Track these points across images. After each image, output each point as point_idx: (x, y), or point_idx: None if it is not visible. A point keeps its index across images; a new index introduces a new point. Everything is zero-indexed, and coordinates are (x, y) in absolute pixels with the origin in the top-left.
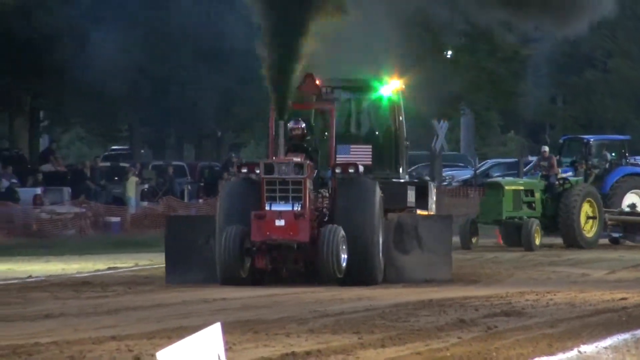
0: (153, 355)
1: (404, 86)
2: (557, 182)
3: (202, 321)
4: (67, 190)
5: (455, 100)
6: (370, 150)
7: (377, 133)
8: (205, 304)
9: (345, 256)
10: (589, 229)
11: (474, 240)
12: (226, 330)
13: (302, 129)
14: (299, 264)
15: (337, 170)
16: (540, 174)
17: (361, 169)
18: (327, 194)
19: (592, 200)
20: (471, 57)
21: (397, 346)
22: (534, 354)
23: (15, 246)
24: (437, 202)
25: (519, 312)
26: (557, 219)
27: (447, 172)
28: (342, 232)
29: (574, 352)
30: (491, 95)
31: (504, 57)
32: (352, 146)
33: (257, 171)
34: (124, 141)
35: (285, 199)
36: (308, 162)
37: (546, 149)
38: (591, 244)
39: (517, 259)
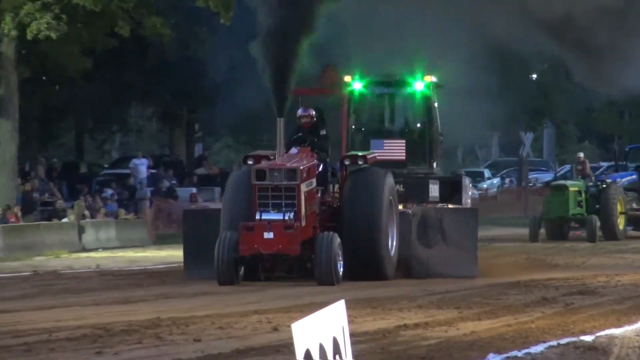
0: (289, 326)
1: (437, 81)
2: (594, 184)
3: (329, 298)
4: (217, 190)
5: (540, 115)
6: (404, 145)
7: (410, 128)
8: (332, 284)
9: (342, 263)
10: (619, 223)
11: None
12: (349, 306)
13: (312, 117)
14: (292, 273)
15: (346, 162)
16: (579, 177)
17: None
18: (338, 186)
19: (621, 199)
20: (553, 80)
21: (491, 319)
22: (605, 326)
23: (175, 236)
24: (525, 201)
25: (592, 291)
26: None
27: (532, 175)
28: (338, 240)
29: (638, 325)
30: (569, 111)
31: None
32: (385, 141)
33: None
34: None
35: (278, 207)
36: (303, 165)
37: (581, 155)
38: (622, 235)
39: (589, 248)
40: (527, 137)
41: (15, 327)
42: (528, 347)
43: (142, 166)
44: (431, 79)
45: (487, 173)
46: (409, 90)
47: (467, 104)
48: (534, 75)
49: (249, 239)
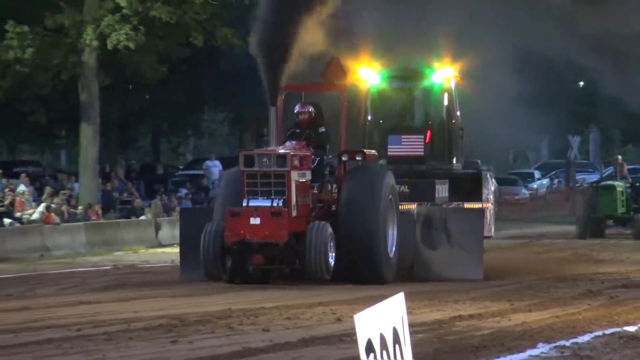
0: (351, 317)
1: (458, 74)
2: (632, 184)
3: (389, 292)
4: None
5: (586, 121)
6: (422, 140)
7: (429, 122)
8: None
9: (333, 255)
10: None
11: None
12: (407, 298)
13: (310, 113)
14: (282, 265)
15: (344, 158)
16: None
17: (372, 156)
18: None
19: None
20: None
21: (541, 311)
22: None
23: None
24: (572, 200)
25: (636, 284)
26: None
27: (579, 176)
28: (329, 230)
29: None
30: (614, 117)
31: None
32: (403, 136)
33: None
34: None
35: (267, 194)
36: (294, 152)
37: (619, 157)
38: None
39: (633, 244)
40: (575, 141)
41: (96, 318)
42: (575, 337)
43: (214, 168)
44: (451, 71)
45: (537, 174)
46: (427, 83)
47: (519, 110)
48: (581, 83)
49: (234, 225)
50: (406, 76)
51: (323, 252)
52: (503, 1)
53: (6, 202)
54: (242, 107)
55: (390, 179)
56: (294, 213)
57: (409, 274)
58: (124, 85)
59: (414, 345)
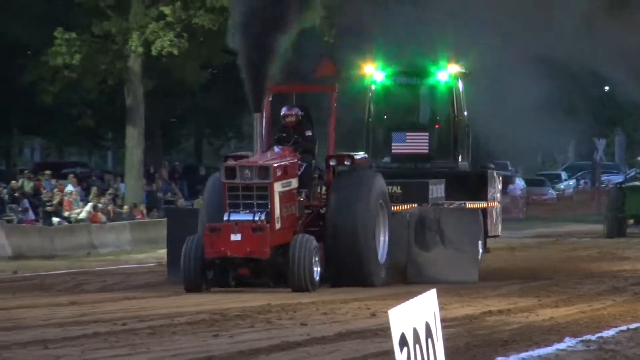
0: (385, 312)
1: (463, 70)
2: None
3: (420, 289)
4: None
5: (612, 124)
6: (427, 138)
7: (434, 120)
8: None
9: (318, 269)
10: None
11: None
12: (439, 294)
13: (297, 116)
14: (264, 279)
15: (332, 163)
16: None
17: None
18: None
19: None
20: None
21: (567, 307)
22: None
23: None
24: (597, 200)
25: None
26: None
27: (604, 177)
28: (314, 243)
29: None
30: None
31: None
32: (407, 134)
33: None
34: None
35: (249, 207)
36: (277, 163)
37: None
38: None
39: None
40: (600, 143)
41: (140, 313)
42: (600, 332)
43: None
44: (456, 68)
45: (564, 175)
46: (432, 80)
47: (546, 114)
48: (607, 88)
49: (214, 241)
50: (411, 73)
51: (307, 266)
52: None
53: (55, 202)
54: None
55: (379, 182)
56: (278, 225)
57: (404, 277)
58: (168, 90)
59: (446, 339)
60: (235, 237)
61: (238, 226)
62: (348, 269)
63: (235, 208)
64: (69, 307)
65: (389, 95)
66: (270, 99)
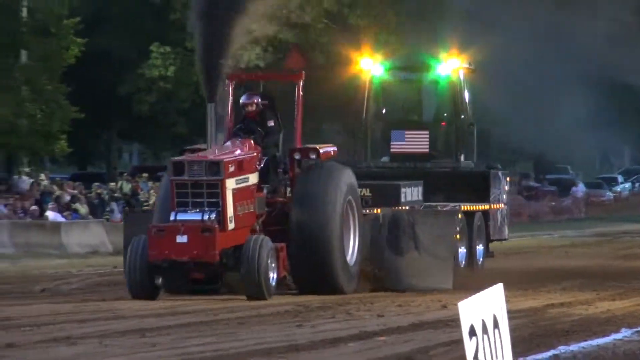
0: (456, 305)
1: (467, 65)
2: None
3: (491, 282)
4: None
5: None
6: (427, 136)
7: (435, 118)
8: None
9: (274, 274)
10: None
11: None
12: (505, 288)
13: (257, 104)
14: (217, 284)
15: (296, 157)
16: None
17: (330, 153)
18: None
19: None
20: None
21: (624, 300)
22: None
23: None
24: None
25: None
26: None
27: None
28: (270, 245)
29: None
30: None
31: None
32: (406, 132)
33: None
34: None
35: (198, 206)
36: (229, 158)
37: None
38: None
39: None
40: None
41: (230, 304)
42: None
43: None
44: (459, 62)
45: (620, 178)
46: (433, 75)
47: (601, 122)
48: None
49: (159, 243)
50: (410, 67)
51: (261, 271)
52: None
53: (151, 202)
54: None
55: (348, 178)
56: (231, 226)
57: (375, 283)
58: None
59: (511, 330)
60: (182, 239)
61: (184, 227)
62: (314, 273)
63: (183, 207)
64: (167, 301)
65: (387, 91)
66: (232, 87)
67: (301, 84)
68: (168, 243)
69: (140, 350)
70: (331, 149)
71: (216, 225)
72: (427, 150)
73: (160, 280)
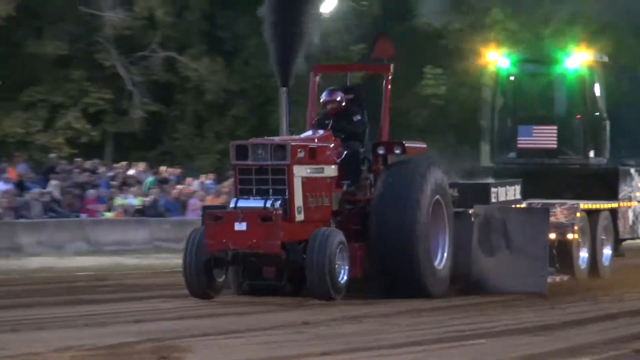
0: None
1: (598, 58)
2: None
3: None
4: None
5: None
6: (555, 131)
7: (564, 112)
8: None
9: (346, 267)
10: None
11: None
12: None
13: (339, 102)
14: (281, 281)
15: (380, 151)
16: None
17: (418, 148)
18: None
19: None
20: None
21: None
22: None
23: None
24: None
25: None
26: None
27: None
28: (338, 238)
29: None
30: None
31: None
32: (534, 127)
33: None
34: None
35: (264, 193)
36: (298, 142)
37: None
38: None
39: None
40: None
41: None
42: None
43: None
44: (587, 56)
45: None
46: (561, 69)
47: None
48: None
49: (216, 231)
50: (538, 60)
51: (326, 267)
52: None
53: None
54: None
55: (436, 174)
56: (299, 217)
57: (466, 286)
58: None
59: None
60: (240, 226)
61: (244, 214)
62: (395, 275)
63: (247, 194)
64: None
65: (514, 85)
66: (317, 79)
67: (389, 76)
68: (225, 231)
69: (418, 328)
70: (420, 144)
71: (279, 214)
72: (555, 145)
73: (223, 277)
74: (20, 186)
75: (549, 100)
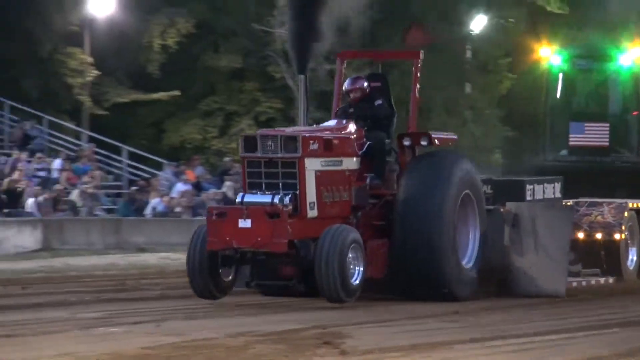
0: None
1: None
2: None
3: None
4: None
5: None
6: (608, 128)
7: (617, 109)
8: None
9: (360, 274)
10: None
11: None
12: None
13: (363, 89)
14: (291, 281)
15: (406, 143)
16: None
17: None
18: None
19: None
20: None
21: None
22: None
23: None
24: None
25: None
26: None
27: None
28: (352, 236)
29: None
30: None
31: None
32: (586, 124)
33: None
34: None
35: (273, 188)
36: (310, 133)
37: None
38: None
39: None
40: None
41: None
42: None
43: None
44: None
45: None
46: (615, 65)
47: None
48: None
49: (219, 228)
50: (590, 56)
51: (336, 268)
52: None
53: None
54: None
55: (465, 169)
56: (312, 213)
57: (500, 287)
58: None
59: None
60: (244, 223)
61: (248, 210)
62: (419, 275)
63: (256, 189)
64: None
65: (566, 81)
66: (344, 66)
67: (419, 63)
68: (229, 228)
69: (553, 318)
70: (449, 136)
71: (287, 210)
72: (607, 143)
73: (231, 276)
74: (198, 187)
75: (602, 97)
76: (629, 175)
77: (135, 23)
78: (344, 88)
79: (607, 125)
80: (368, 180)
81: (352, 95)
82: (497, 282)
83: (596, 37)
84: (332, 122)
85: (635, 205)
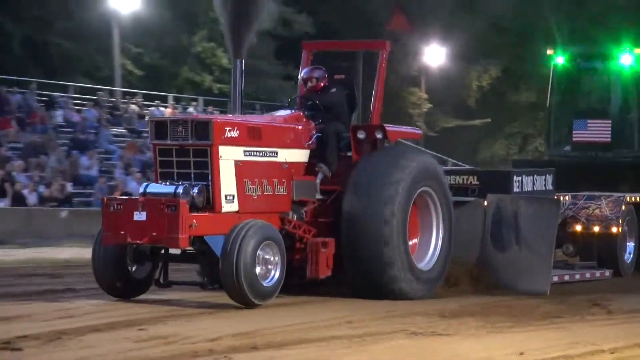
0: None
1: None
2: None
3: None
4: None
5: None
6: (610, 126)
7: (618, 107)
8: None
9: (276, 275)
10: None
11: None
12: None
13: (317, 79)
14: (204, 279)
15: (360, 136)
16: None
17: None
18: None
19: None
20: None
21: None
22: None
23: None
24: None
25: None
26: None
27: None
28: (264, 233)
29: None
30: None
31: None
32: (589, 121)
33: None
34: None
35: (185, 178)
36: (228, 118)
37: None
38: None
39: None
40: None
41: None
42: None
43: None
44: None
45: None
46: (616, 64)
47: None
48: None
49: (114, 221)
50: (594, 56)
51: (241, 268)
52: None
53: None
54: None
55: (424, 162)
56: (230, 207)
57: (474, 282)
58: None
59: None
60: (139, 216)
61: (145, 202)
62: (363, 275)
63: (167, 179)
64: None
65: (570, 80)
66: (312, 58)
67: (385, 55)
68: (124, 221)
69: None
70: (411, 130)
71: (184, 201)
72: (609, 139)
73: (146, 272)
74: None
75: (604, 95)
76: (631, 170)
77: (459, 70)
78: (299, 77)
79: (609, 122)
80: (320, 175)
81: (308, 85)
82: (477, 276)
83: (598, 36)
84: (282, 112)
85: (633, 199)
